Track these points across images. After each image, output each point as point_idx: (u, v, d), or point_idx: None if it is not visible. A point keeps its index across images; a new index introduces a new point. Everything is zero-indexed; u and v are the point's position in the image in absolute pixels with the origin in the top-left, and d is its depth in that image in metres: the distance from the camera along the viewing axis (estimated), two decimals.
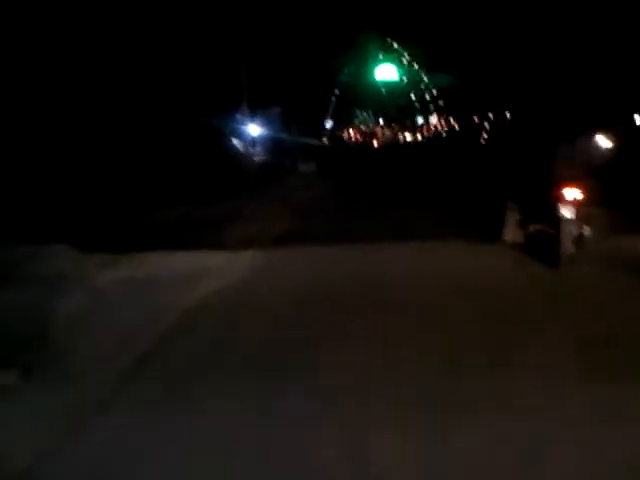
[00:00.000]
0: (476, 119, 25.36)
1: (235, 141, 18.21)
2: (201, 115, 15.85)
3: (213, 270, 6.39)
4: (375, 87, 36.47)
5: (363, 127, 39.51)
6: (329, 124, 37.73)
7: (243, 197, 13.29)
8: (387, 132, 37.15)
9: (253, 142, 18.68)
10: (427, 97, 34.88)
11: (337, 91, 36.67)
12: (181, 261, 6.83)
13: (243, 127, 17.73)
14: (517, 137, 9.52)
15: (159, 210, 10.46)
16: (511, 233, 7.11)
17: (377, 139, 36.58)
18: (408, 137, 35.69)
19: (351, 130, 38.89)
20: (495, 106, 22.79)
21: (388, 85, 35.85)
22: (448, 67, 28.97)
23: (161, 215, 10.12)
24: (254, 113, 18.32)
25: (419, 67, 34.39)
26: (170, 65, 15.05)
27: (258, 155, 19.32)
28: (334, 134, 36.62)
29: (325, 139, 33.96)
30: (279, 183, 17.13)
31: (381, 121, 38.74)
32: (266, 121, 19.48)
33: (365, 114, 39.76)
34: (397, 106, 36.79)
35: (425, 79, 34.19)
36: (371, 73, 35.20)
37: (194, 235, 8.35)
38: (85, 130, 12.41)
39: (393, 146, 32.08)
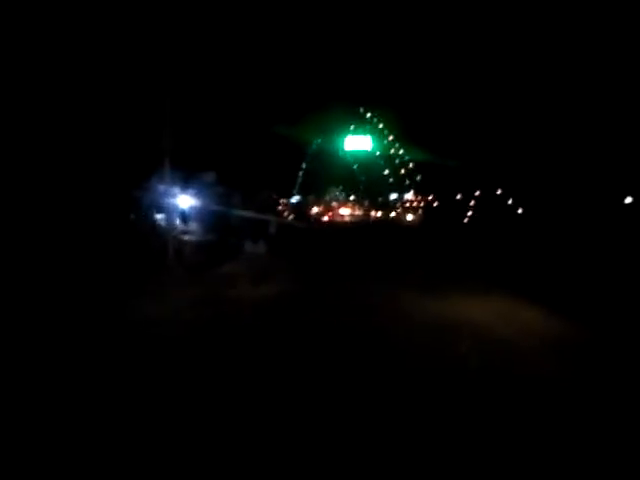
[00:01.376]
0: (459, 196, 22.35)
1: (159, 217, 14.36)
2: (109, 186, 12.16)
3: None
4: (346, 161, 33.57)
5: (334, 204, 36.35)
6: (295, 199, 34.45)
7: (148, 297, 9.55)
8: (357, 210, 33.94)
9: (184, 217, 14.80)
10: (402, 172, 31.93)
11: (304, 164, 33.72)
12: None
13: (170, 199, 13.89)
14: None
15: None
16: None
17: (346, 217, 33.32)
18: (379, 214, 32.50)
19: (320, 207, 35.65)
20: (481, 182, 19.75)
21: (359, 158, 32.91)
22: (428, 141, 26.20)
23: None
24: (187, 182, 14.59)
25: (394, 139, 31.64)
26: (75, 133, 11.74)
27: (191, 233, 15.39)
28: (300, 210, 33.35)
29: (287, 214, 30.55)
30: (211, 272, 13.17)
31: (352, 198, 35.67)
32: (202, 192, 15.74)
33: (337, 192, 36.76)
34: (369, 181, 33.89)
35: (400, 152, 31.28)
36: (341, 145, 32.34)
37: None
38: None
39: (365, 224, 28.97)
